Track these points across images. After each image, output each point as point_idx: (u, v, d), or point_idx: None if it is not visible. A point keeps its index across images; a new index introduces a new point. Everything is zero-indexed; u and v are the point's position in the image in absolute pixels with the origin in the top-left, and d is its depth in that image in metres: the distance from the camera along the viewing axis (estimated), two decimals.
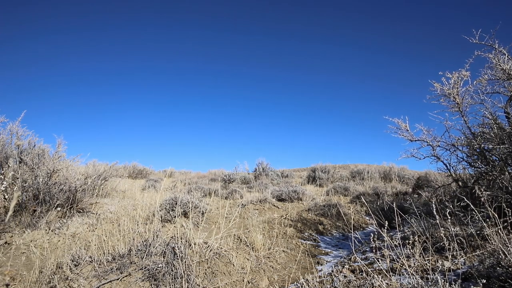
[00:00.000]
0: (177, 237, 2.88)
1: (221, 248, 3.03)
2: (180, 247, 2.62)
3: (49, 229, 3.46)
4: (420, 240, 2.38)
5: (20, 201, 3.67)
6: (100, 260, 2.51)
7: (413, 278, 1.79)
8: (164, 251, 2.62)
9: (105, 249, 2.64)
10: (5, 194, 3.55)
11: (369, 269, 2.29)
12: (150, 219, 3.57)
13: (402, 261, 2.13)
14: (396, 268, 2.25)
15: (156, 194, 6.37)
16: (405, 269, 2.13)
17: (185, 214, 4.45)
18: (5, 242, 3.14)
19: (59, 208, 3.82)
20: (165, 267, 2.39)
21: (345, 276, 2.48)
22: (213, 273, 2.65)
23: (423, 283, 1.72)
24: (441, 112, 3.36)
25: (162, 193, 6.26)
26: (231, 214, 4.91)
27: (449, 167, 3.41)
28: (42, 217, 3.58)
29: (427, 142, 3.41)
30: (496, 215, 2.02)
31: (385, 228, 2.27)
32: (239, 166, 12.36)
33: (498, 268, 1.72)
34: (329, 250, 3.72)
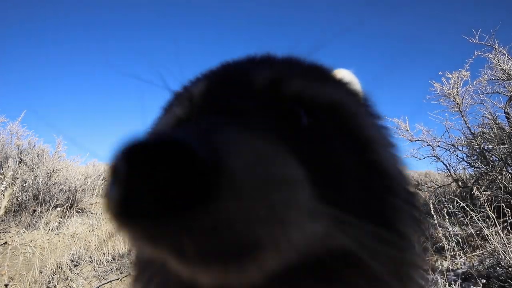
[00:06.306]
0: None
1: None
2: None
3: (49, 229, 3.46)
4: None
5: (19, 201, 3.67)
6: (100, 260, 2.51)
7: None
8: None
9: (105, 249, 2.64)
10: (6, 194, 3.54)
11: None
12: None
13: None
14: None
15: None
16: None
17: None
18: (5, 242, 3.14)
19: (59, 208, 3.82)
20: None
21: None
22: None
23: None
24: (441, 112, 3.36)
25: None
26: None
27: (449, 167, 3.42)
28: (42, 217, 3.57)
29: (427, 142, 3.41)
30: (495, 216, 2.02)
31: None
32: None
33: (498, 268, 1.72)
34: None
